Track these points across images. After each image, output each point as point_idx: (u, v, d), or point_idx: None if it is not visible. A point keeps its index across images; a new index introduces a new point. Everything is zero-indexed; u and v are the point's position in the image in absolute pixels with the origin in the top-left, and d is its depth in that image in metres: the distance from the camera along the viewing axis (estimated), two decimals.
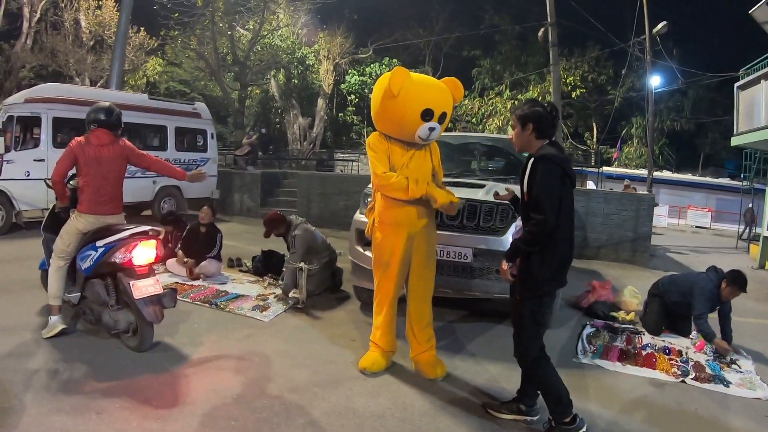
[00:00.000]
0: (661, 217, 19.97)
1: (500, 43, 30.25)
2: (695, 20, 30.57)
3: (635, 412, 3.50)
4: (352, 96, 27.44)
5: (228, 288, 5.76)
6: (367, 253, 4.64)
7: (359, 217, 4.94)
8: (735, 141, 12.19)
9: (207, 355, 3.89)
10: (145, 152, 4.37)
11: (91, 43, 22.13)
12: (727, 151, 24.15)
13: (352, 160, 22.62)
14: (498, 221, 4.61)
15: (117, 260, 3.77)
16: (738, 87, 12.09)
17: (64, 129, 9.24)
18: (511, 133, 3.04)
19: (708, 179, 26.94)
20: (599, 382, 3.95)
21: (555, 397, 2.95)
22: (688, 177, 27.31)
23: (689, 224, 22.68)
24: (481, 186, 5.02)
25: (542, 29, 14.69)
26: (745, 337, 5.08)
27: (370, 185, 4.98)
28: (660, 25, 15.19)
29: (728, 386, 4.05)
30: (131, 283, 3.71)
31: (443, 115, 3.56)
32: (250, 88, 24.32)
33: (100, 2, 22.20)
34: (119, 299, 3.86)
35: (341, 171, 22.26)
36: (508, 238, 4.50)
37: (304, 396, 3.29)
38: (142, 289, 3.72)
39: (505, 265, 2.93)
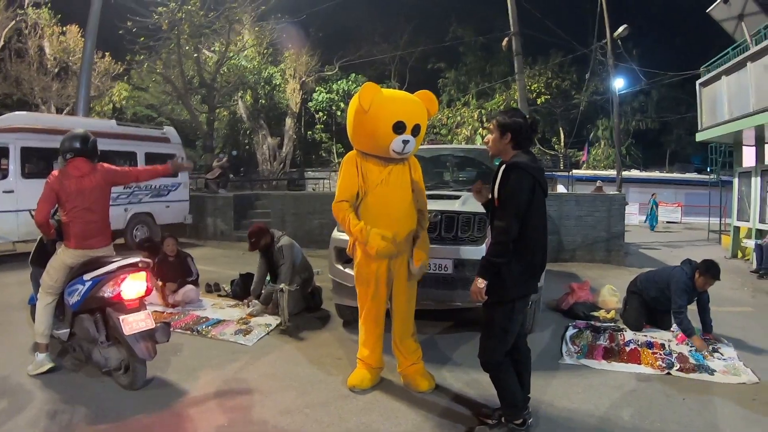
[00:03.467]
0: (632, 215, 20.34)
1: (464, 55, 30.85)
2: (654, 21, 31.42)
3: (625, 408, 3.54)
4: (320, 113, 27.56)
5: (208, 314, 5.67)
6: (348, 270, 4.62)
7: (338, 234, 4.91)
8: (700, 136, 12.52)
9: (198, 386, 3.76)
10: (125, 168, 4.25)
11: (56, 70, 21.76)
12: (692, 147, 24.79)
13: (323, 178, 22.59)
14: (476, 231, 4.64)
15: (105, 295, 3.62)
16: (700, 84, 12.45)
17: (32, 159, 9.03)
18: (488, 137, 3.06)
19: (676, 175, 27.62)
20: (587, 381, 3.99)
21: (510, 400, 3.04)
22: (656, 174, 27.95)
23: (660, 220, 23.14)
24: (457, 197, 5.06)
25: (506, 39, 14.95)
26: (724, 326, 5.19)
27: None
28: (621, 29, 15.58)
29: (713, 374, 4.15)
30: (121, 318, 3.55)
31: (417, 128, 3.56)
32: (217, 110, 24.22)
33: (65, 29, 21.88)
34: (109, 335, 3.69)
35: (313, 189, 22.24)
36: (486, 247, 4.54)
37: (296, 418, 3.26)
38: (133, 324, 3.56)
39: (481, 283, 2.87)
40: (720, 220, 15.65)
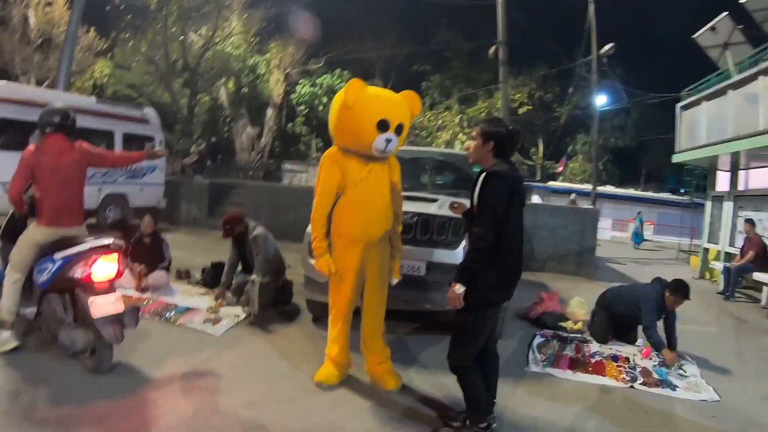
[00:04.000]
0: (604, 230, 20.70)
1: (451, 59, 30.92)
2: (639, 42, 32.05)
3: (589, 418, 3.60)
4: (302, 107, 27.42)
5: (177, 300, 5.56)
6: None
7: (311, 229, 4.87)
8: (677, 158, 12.80)
9: (164, 374, 3.68)
10: (103, 151, 4.13)
11: (39, 41, 21.07)
12: (668, 168, 25.26)
13: (301, 172, 22.44)
14: (451, 235, 4.66)
15: (75, 275, 3.51)
16: (680, 107, 12.74)
17: (8, 130, 8.75)
18: (469, 143, 3.08)
19: (650, 194, 28.15)
20: (552, 390, 4.04)
21: (476, 403, 3.07)
22: (630, 191, 28.45)
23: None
24: (434, 200, 5.07)
25: (494, 47, 15.05)
26: (688, 344, 5.30)
27: None
28: (607, 47, 15.83)
29: (675, 390, 4.24)
30: (90, 300, 3.43)
31: (400, 127, 3.55)
32: (199, 96, 23.87)
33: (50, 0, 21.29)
34: (77, 317, 3.59)
35: (290, 182, 22.10)
36: (461, 251, 4.56)
37: (262, 411, 3.22)
38: (102, 307, 3.45)
39: (459, 289, 2.87)
40: (690, 241, 16.03)
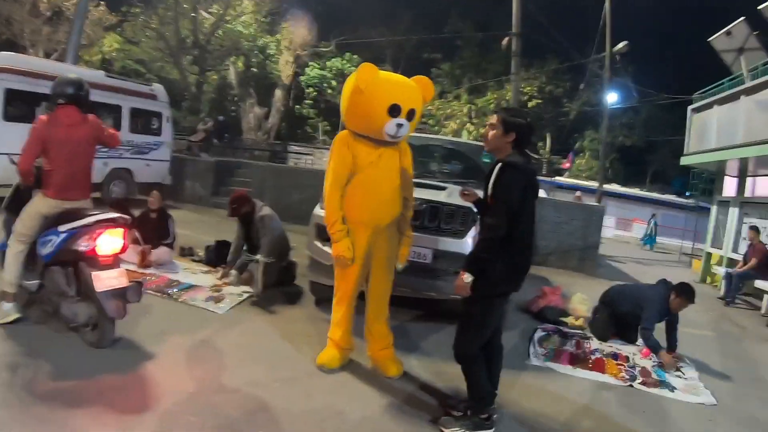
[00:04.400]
0: (608, 228, 20.66)
1: (461, 49, 30.72)
2: (653, 41, 31.78)
3: (588, 415, 3.62)
4: (311, 89, 27.30)
5: (180, 277, 5.56)
6: (327, 248, 4.56)
7: (319, 211, 4.82)
8: (685, 160, 12.74)
9: (166, 350, 3.66)
10: (113, 132, 4.06)
11: (49, 13, 20.92)
12: (674, 169, 25.17)
13: (307, 154, 22.37)
14: (459, 224, 4.65)
15: (80, 248, 3.46)
16: (692, 109, 12.65)
17: (16, 102, 8.68)
18: (488, 130, 3.02)
19: (654, 194, 28.07)
20: (552, 385, 4.05)
21: (479, 394, 3.08)
22: (635, 191, 28.37)
23: (634, 236, 23.55)
24: (443, 188, 5.04)
25: (506, 39, 14.92)
26: (687, 347, 5.29)
27: None
28: (621, 45, 15.68)
29: (674, 391, 4.25)
30: (93, 273, 3.39)
31: (411, 112, 3.52)
32: (207, 74, 23.77)
33: None
34: (80, 290, 3.54)
35: (295, 164, 22.05)
36: (468, 241, 4.55)
37: (264, 392, 3.22)
38: (105, 281, 3.41)
39: (468, 278, 2.86)
40: (692, 244, 15.99)
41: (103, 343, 3.50)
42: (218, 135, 17.74)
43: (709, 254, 12.06)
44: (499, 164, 2.90)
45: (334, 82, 26.27)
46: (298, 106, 28.74)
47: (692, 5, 30.46)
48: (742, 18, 11.38)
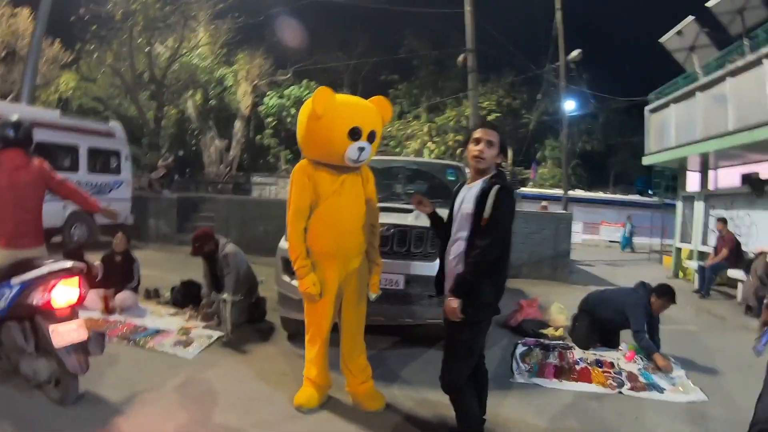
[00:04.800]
0: (576, 233, 20.93)
1: (418, 68, 31.13)
2: (604, 47, 32.79)
3: (579, 428, 3.56)
4: (270, 118, 27.28)
5: (147, 322, 5.31)
6: (295, 282, 4.40)
7: (284, 244, 4.65)
8: (647, 160, 13.04)
9: (134, 403, 3.44)
10: (64, 178, 3.83)
11: (3, 53, 20.46)
12: (635, 169, 25.81)
13: (270, 184, 22.18)
14: (429, 246, 4.55)
15: (34, 301, 3.25)
16: (649, 110, 13.02)
17: None
18: (483, 148, 2.89)
19: (619, 196, 28.71)
20: (539, 401, 3.97)
21: (471, 422, 2.98)
22: (600, 195, 28.95)
23: (603, 239, 23.93)
24: (410, 211, 4.94)
25: (462, 56, 15.07)
26: (670, 345, 5.27)
27: None
28: (574, 53, 16.04)
29: (663, 392, 4.24)
30: (51, 328, 3.18)
31: (372, 134, 3.42)
32: (165, 108, 23.45)
33: (15, 11, 20.58)
34: (39, 345, 3.31)
35: (259, 194, 21.86)
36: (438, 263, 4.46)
37: None
38: (64, 335, 3.21)
39: (455, 303, 2.74)
40: (661, 241, 16.29)
41: (68, 400, 3.28)
42: (179, 170, 17.46)
43: (679, 249, 12.28)
44: (497, 186, 2.80)
45: (293, 110, 26.23)
46: (258, 136, 28.62)
47: (639, 9, 31.61)
48: (691, 17, 11.79)
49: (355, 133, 3.31)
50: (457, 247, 2.88)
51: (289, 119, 26.10)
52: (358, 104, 3.49)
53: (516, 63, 22.53)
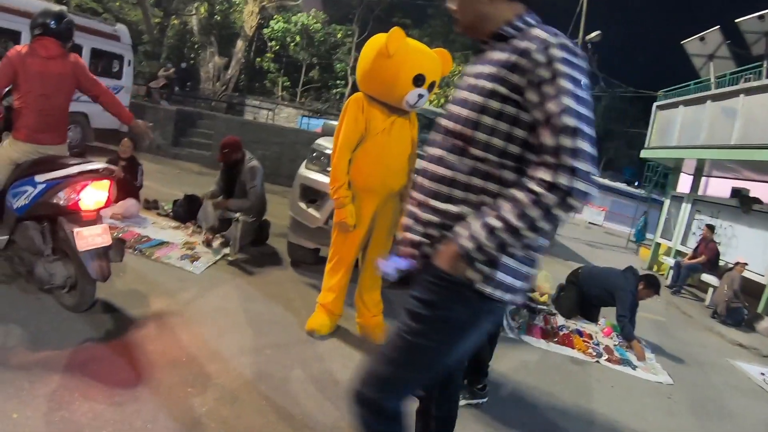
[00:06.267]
0: None
1: (432, 17, 30.35)
2: (624, 34, 32.49)
3: (564, 387, 3.83)
4: (273, 43, 26.67)
5: (149, 233, 5.27)
6: (312, 210, 4.50)
7: (305, 171, 4.70)
8: (645, 153, 13.23)
9: (148, 314, 3.39)
10: (96, 78, 3.64)
11: None
12: (626, 159, 26.15)
13: (269, 109, 21.76)
14: None
15: (60, 201, 3.05)
16: (657, 106, 13.14)
17: None
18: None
19: (607, 181, 29.05)
20: (528, 357, 4.27)
21: (480, 366, 3.15)
22: None
23: (584, 219, 24.37)
24: None
25: None
26: (642, 331, 5.58)
27: (320, 140, 4.81)
28: (594, 33, 15.94)
29: (635, 369, 4.57)
30: (75, 231, 2.97)
31: (432, 84, 3.48)
32: (170, 18, 22.64)
33: None
34: (57, 248, 3.15)
35: (254, 118, 21.52)
36: None
37: (258, 359, 3.10)
38: (89, 239, 3.00)
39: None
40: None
41: (82, 307, 3.16)
42: (180, 83, 17.01)
43: (659, 245, 12.65)
44: None
45: (298, 38, 25.64)
46: (259, 59, 27.96)
47: (670, 7, 31.23)
48: (717, 27, 11.81)
49: (419, 80, 3.36)
50: None
51: (292, 46, 25.52)
52: (426, 53, 3.51)
53: None
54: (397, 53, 3.29)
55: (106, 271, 3.08)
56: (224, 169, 5.47)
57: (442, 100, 26.99)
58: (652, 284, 5.30)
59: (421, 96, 3.40)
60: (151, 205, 6.40)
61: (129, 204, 5.69)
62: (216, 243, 5.24)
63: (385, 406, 1.62)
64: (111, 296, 3.49)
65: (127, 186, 5.78)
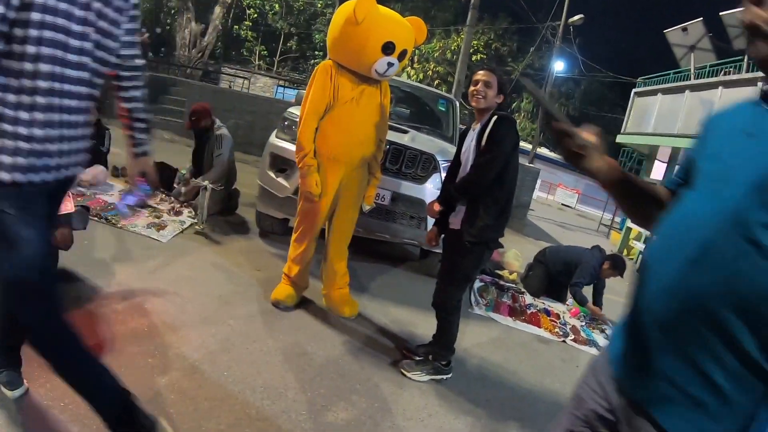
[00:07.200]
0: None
1: None
2: (607, 19, 32.57)
3: (529, 365, 3.83)
4: (252, 11, 26.14)
5: (116, 200, 5.12)
6: (281, 180, 4.44)
7: (275, 140, 4.62)
8: (621, 138, 13.37)
9: (112, 283, 3.30)
10: None
11: None
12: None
13: (244, 77, 21.33)
14: (420, 169, 4.62)
15: None
16: (635, 92, 13.24)
17: None
18: (480, 89, 2.91)
19: None
20: (495, 334, 4.25)
21: (449, 342, 3.15)
22: (562, 158, 29.55)
23: (557, 201, 24.68)
24: (406, 131, 4.98)
25: None
26: (609, 311, 5.62)
27: (291, 109, 4.73)
28: (577, 17, 15.92)
29: (600, 350, 4.54)
30: None
31: (403, 53, 3.39)
32: None
33: None
34: None
35: (229, 86, 21.07)
36: (428, 186, 4.56)
37: (221, 329, 3.03)
38: None
39: (437, 206, 2.99)
40: (612, 217, 16.96)
41: None
42: (153, 49, 16.47)
43: (630, 229, 12.85)
44: (495, 117, 2.88)
45: (277, 6, 25.08)
46: (236, 27, 27.35)
47: None
48: (700, 18, 11.90)
49: (388, 48, 3.26)
50: None
51: (271, 15, 25.00)
52: (397, 20, 3.41)
53: (513, 12, 22.08)
54: (366, 20, 3.19)
55: (69, 239, 2.96)
56: (195, 137, 5.39)
57: (421, 75, 26.90)
58: (617, 265, 5.37)
59: (390, 65, 3.31)
60: (120, 173, 6.22)
61: (97, 171, 5.50)
62: (184, 212, 5.14)
63: None
64: (73, 265, 3.36)
65: (93, 152, 5.60)
